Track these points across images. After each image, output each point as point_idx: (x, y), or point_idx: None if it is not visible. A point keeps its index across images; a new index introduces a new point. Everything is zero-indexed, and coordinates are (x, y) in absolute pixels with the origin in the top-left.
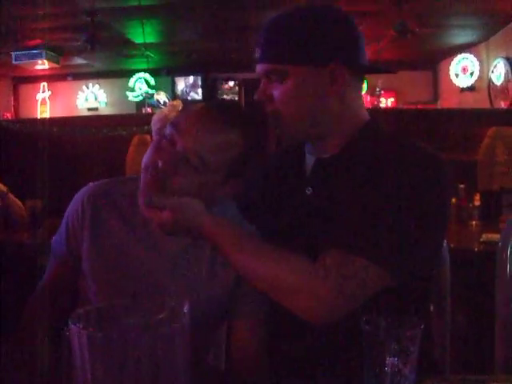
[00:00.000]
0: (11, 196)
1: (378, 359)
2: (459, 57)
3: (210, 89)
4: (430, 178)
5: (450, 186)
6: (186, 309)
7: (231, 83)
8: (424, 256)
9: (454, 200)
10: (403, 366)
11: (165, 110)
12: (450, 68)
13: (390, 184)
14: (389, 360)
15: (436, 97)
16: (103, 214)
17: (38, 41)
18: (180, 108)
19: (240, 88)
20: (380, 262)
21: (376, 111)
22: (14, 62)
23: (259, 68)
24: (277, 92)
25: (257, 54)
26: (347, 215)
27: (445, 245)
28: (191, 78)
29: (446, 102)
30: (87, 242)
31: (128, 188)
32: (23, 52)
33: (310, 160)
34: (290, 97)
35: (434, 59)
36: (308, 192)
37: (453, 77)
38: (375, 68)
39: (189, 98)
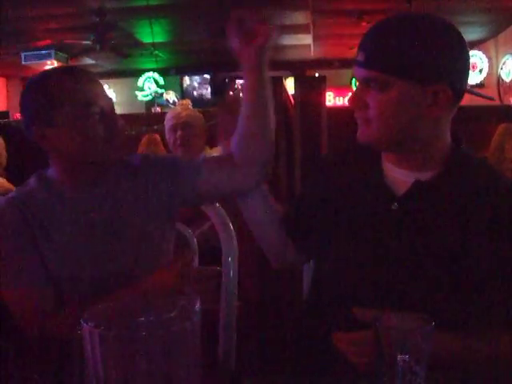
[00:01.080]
0: None
1: (389, 356)
2: None
3: (219, 87)
4: None
5: None
6: (197, 307)
7: (241, 81)
8: None
9: None
10: (414, 363)
11: (177, 108)
12: None
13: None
14: (400, 357)
15: None
16: (31, 222)
17: (47, 41)
18: (190, 105)
19: None
20: None
21: None
22: (23, 62)
23: (359, 72)
24: (375, 101)
25: (359, 57)
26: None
27: None
28: (200, 77)
29: None
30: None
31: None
32: (32, 52)
33: (395, 172)
34: (387, 108)
35: None
36: (394, 208)
37: None
38: (476, 93)
39: (198, 96)
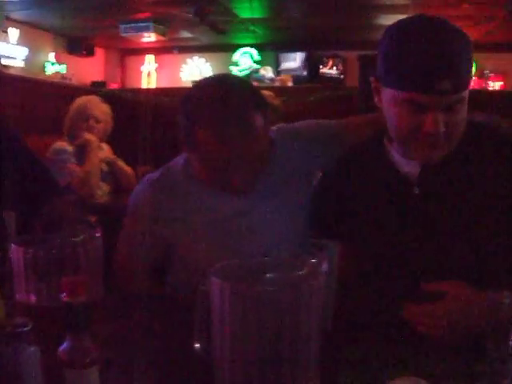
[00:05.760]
0: (119, 163)
1: (500, 343)
2: None
3: (314, 66)
4: None
5: None
6: (324, 267)
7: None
8: None
9: None
10: None
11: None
12: None
13: None
14: None
15: None
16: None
17: (146, 14)
18: (290, 83)
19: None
20: None
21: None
22: (122, 34)
23: (446, 100)
24: (456, 118)
25: (444, 86)
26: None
27: None
28: (297, 55)
29: None
30: None
31: None
32: (131, 25)
33: (405, 163)
34: (464, 119)
35: None
36: (416, 192)
37: None
38: None
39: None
